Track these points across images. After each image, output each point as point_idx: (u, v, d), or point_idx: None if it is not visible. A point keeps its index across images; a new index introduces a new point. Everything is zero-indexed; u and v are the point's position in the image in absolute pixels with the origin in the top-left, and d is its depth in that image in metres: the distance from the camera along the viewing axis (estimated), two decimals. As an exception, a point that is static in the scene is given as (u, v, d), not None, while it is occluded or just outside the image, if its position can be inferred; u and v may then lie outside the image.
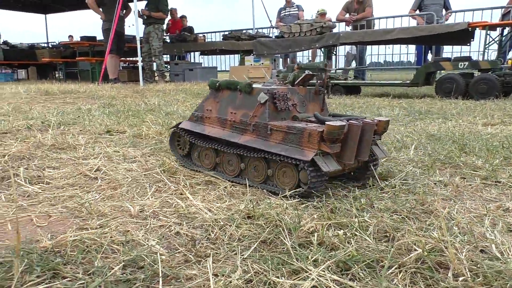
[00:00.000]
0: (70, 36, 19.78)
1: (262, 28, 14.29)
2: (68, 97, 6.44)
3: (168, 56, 14.82)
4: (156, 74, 11.44)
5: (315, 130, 1.72)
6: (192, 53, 15.32)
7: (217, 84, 2.09)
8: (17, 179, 1.98)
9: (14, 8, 18.08)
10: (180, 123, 2.32)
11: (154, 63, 11.38)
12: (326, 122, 1.72)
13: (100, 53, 12.31)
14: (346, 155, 1.77)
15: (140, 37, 10.42)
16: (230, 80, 2.03)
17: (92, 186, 1.90)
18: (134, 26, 13.30)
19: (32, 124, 3.59)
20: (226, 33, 13.25)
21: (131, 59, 14.70)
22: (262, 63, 11.72)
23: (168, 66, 13.50)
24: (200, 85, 8.99)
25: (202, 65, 14.38)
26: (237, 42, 12.33)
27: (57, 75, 16.58)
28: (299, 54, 13.26)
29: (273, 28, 13.70)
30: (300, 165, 1.78)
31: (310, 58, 13.25)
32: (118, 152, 2.63)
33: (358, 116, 1.91)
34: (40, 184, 1.94)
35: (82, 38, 12.75)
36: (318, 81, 2.10)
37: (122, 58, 12.75)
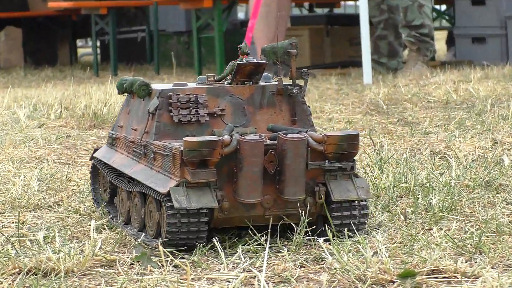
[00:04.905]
0: None
1: None
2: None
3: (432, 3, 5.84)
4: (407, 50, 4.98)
5: (178, 149, 1.37)
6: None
7: (124, 86, 1.62)
8: None
9: None
10: (96, 149, 1.83)
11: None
12: (184, 138, 1.36)
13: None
14: (238, 187, 1.39)
15: None
16: (136, 79, 1.59)
17: None
18: None
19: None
20: None
21: None
22: None
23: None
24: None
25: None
26: None
27: (80, 54, 7.92)
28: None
29: None
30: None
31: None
32: None
33: (301, 129, 1.47)
34: None
35: None
36: (277, 74, 1.56)
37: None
